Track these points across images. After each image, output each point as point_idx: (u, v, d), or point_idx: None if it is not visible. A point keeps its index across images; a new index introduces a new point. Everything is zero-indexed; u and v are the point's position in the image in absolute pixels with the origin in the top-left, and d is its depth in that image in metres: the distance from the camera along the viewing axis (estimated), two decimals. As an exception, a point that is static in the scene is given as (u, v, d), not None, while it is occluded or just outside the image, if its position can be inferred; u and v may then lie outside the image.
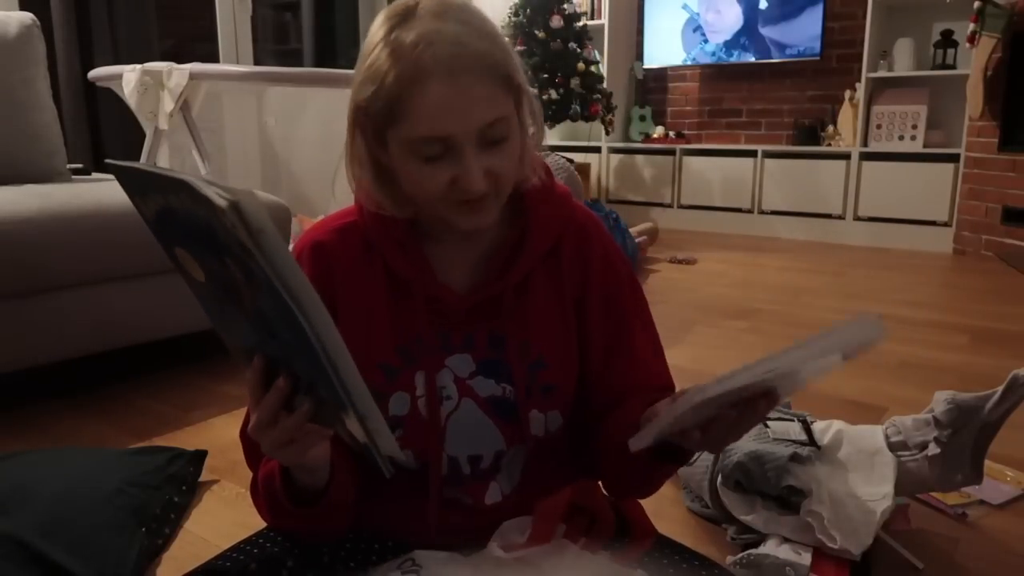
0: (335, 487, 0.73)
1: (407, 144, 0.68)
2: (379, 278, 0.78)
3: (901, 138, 4.04)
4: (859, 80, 4.10)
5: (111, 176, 2.44)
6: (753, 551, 1.06)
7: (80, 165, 2.32)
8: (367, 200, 0.77)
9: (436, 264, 0.79)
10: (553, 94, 4.10)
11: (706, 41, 4.64)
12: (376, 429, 0.58)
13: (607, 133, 4.68)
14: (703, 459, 1.20)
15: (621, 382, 0.80)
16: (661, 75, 5.00)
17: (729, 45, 4.58)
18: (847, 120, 4.20)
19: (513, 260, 0.78)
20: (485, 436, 0.79)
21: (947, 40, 3.91)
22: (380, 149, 0.72)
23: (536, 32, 4.15)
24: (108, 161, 0.60)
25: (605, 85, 4.41)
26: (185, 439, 1.53)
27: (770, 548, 1.06)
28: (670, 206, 4.79)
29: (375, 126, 0.70)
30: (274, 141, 3.20)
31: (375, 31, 0.69)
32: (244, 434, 0.82)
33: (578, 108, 4.19)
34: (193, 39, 4.01)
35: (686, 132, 4.91)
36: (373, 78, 0.68)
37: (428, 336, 0.78)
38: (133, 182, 0.59)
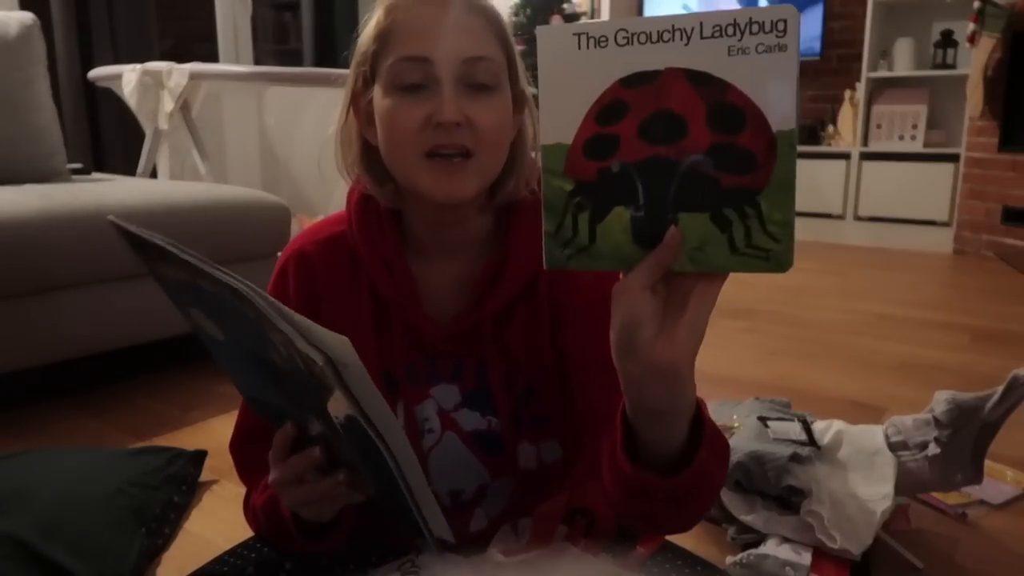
0: (345, 517, 0.71)
1: (389, 72, 0.67)
2: (364, 296, 0.75)
3: (901, 138, 4.04)
4: (859, 80, 4.10)
5: (111, 176, 2.44)
6: (753, 551, 1.06)
7: (80, 165, 2.31)
8: (354, 177, 0.75)
9: (423, 286, 0.75)
10: (553, 94, 4.10)
11: (706, 41, 4.64)
12: (430, 515, 0.58)
13: (607, 133, 4.67)
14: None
15: (598, 406, 0.67)
16: (661, 75, 4.99)
17: (729, 45, 4.57)
18: (847, 120, 4.19)
19: (492, 289, 0.74)
20: (467, 471, 0.77)
21: (947, 40, 3.91)
22: (368, 121, 0.71)
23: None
24: (113, 219, 0.54)
25: (605, 85, 4.40)
26: (185, 439, 1.53)
27: (770, 548, 1.06)
28: (670, 206, 4.79)
29: (370, 71, 0.69)
30: (274, 141, 3.20)
31: (373, 12, 0.70)
32: (235, 447, 0.80)
33: (578, 108, 4.19)
34: (193, 39, 4.01)
35: (686, 132, 4.91)
36: (372, 25, 0.69)
37: (414, 362, 0.75)
38: (147, 250, 0.54)
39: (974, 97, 3.60)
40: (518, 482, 0.78)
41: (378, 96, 0.68)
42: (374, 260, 0.74)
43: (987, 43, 3.50)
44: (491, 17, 0.69)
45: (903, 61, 4.02)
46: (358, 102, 0.72)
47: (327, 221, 0.80)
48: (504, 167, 0.72)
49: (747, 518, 1.12)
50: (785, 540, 1.08)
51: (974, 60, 3.59)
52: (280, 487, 0.62)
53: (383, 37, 0.68)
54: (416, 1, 0.67)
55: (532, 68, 0.57)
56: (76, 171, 2.21)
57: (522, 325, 0.75)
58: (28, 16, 2.05)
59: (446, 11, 0.66)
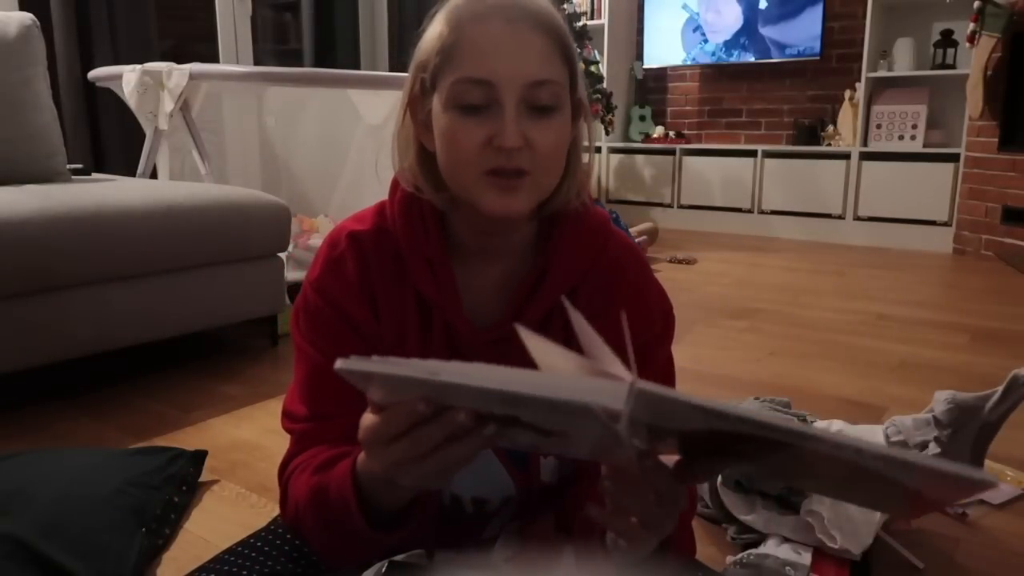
0: (420, 506, 0.66)
1: (451, 90, 0.66)
2: (409, 292, 0.75)
3: (901, 138, 4.04)
4: (859, 80, 4.10)
5: (111, 176, 2.44)
6: (753, 551, 1.06)
7: (80, 165, 2.31)
8: (406, 181, 0.74)
9: (463, 288, 0.74)
10: (553, 94, 4.10)
11: (706, 41, 4.64)
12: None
13: (607, 133, 4.67)
14: (703, 459, 1.20)
15: None
16: (661, 75, 5.00)
17: (729, 45, 4.58)
18: (847, 120, 4.19)
19: (532, 298, 0.74)
20: (494, 480, 0.76)
21: (947, 40, 3.91)
22: (426, 128, 0.71)
23: (536, 32, 4.14)
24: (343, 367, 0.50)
25: (605, 85, 4.41)
26: (185, 439, 1.53)
27: (770, 548, 1.06)
28: (670, 206, 4.79)
29: (431, 80, 0.68)
30: (274, 141, 3.20)
31: (436, 16, 0.69)
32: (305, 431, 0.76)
33: (578, 108, 4.19)
34: (193, 39, 4.01)
35: (686, 132, 4.91)
36: (436, 36, 0.68)
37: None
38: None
39: (974, 97, 3.60)
40: (533, 494, 0.78)
41: (437, 108, 0.68)
42: (417, 260, 0.74)
43: (987, 43, 3.50)
44: (556, 35, 0.68)
45: (903, 61, 4.03)
46: (415, 107, 0.71)
47: (365, 213, 0.78)
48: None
49: (747, 518, 1.12)
50: (785, 540, 1.08)
51: (974, 60, 3.59)
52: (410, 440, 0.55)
53: (446, 52, 0.66)
54: (482, 18, 0.65)
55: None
56: (76, 171, 2.21)
57: (558, 338, 0.75)
58: (28, 16, 2.05)
59: (512, 31, 0.65)
